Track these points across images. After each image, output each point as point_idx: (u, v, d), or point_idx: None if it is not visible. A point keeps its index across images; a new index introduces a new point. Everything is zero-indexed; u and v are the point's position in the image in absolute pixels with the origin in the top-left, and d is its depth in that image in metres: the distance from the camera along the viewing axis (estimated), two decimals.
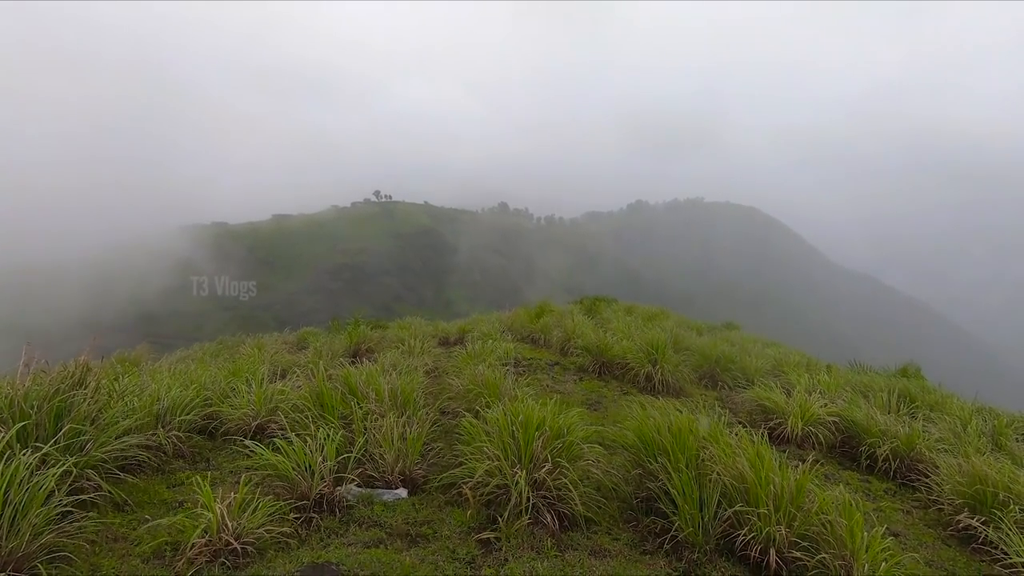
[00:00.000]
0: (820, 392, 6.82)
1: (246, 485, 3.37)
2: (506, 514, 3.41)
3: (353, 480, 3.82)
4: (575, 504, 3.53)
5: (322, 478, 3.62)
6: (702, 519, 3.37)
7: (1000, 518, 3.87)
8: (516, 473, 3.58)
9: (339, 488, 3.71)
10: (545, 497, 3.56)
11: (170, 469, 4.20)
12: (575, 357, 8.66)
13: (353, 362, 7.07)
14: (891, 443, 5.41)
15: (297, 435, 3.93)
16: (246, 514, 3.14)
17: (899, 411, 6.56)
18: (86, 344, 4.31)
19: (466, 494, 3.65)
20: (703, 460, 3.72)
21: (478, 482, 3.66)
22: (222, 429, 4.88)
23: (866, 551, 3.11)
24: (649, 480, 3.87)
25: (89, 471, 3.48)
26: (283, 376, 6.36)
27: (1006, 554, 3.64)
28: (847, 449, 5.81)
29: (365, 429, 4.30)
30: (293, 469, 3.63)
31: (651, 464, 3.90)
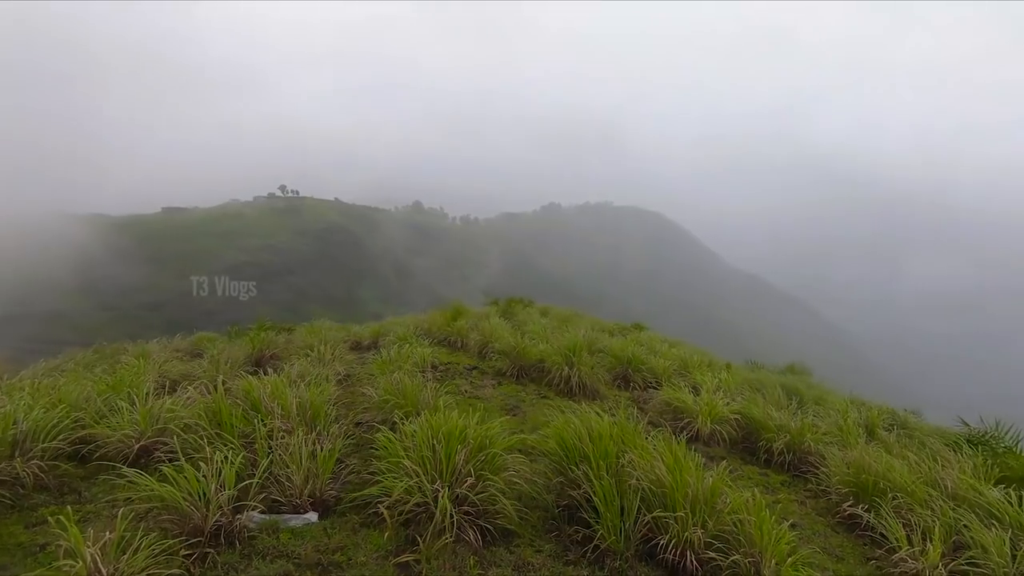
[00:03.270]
0: (723, 391, 7.24)
1: (125, 520, 2.95)
2: (427, 534, 3.25)
3: (256, 507, 3.48)
4: (499, 518, 3.44)
5: (219, 507, 3.26)
6: (623, 526, 3.41)
7: (880, 504, 4.26)
8: (438, 489, 3.42)
9: (239, 517, 3.36)
10: (468, 513, 3.44)
11: (30, 505, 3.62)
12: (493, 360, 8.59)
13: (256, 371, 6.54)
14: (785, 437, 5.84)
15: (189, 459, 3.53)
16: (125, 556, 2.74)
17: (790, 406, 7.12)
18: None
19: (383, 514, 3.44)
20: (623, 466, 3.76)
21: (396, 500, 3.46)
22: (97, 454, 4.29)
23: (774, 545, 3.28)
24: (571, 488, 3.86)
25: None
26: (174, 390, 5.74)
27: (885, 537, 4.00)
28: (748, 444, 6.19)
29: (270, 449, 3.94)
30: (184, 499, 3.24)
31: (573, 471, 3.89)
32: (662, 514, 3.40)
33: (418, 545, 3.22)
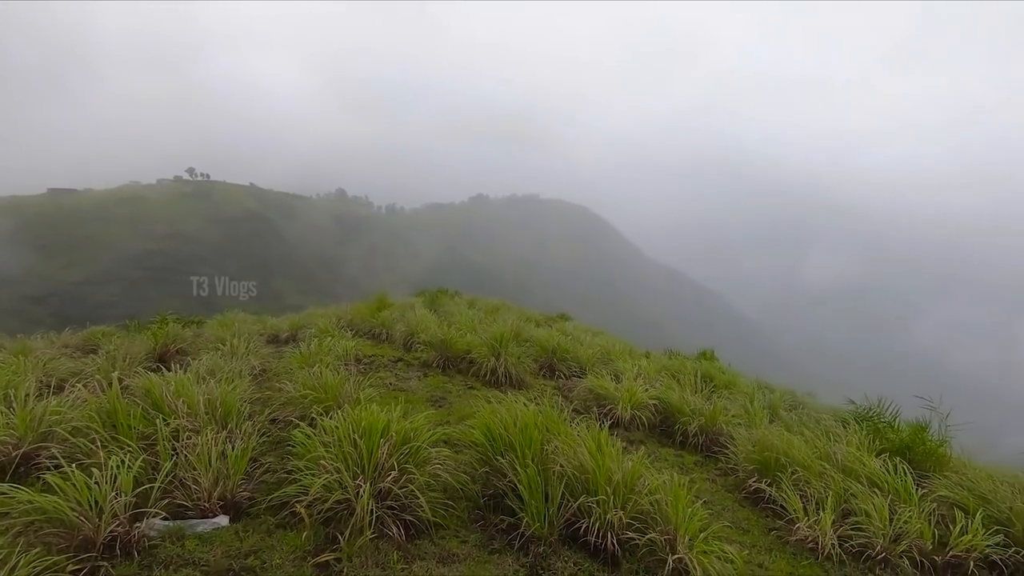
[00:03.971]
0: (643, 378, 7.54)
1: (1, 538, 2.64)
2: (348, 531, 3.14)
3: (157, 513, 3.22)
4: (422, 511, 3.39)
5: (115, 516, 2.99)
6: (547, 512, 3.47)
7: (781, 479, 4.61)
8: (360, 485, 3.32)
9: (138, 525, 3.09)
10: (390, 507, 3.37)
11: None
12: (419, 352, 8.46)
13: (159, 368, 6.04)
14: (699, 420, 6.18)
15: (79, 465, 3.21)
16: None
17: (703, 391, 7.53)
18: None
19: (301, 514, 3.29)
20: (548, 453, 3.82)
21: (315, 499, 3.33)
22: None
23: (687, 522, 3.46)
24: (496, 478, 3.88)
25: None
26: (61, 389, 5.20)
27: (785, 509, 4.34)
28: (665, 428, 6.49)
29: (174, 450, 3.66)
30: (72, 509, 2.93)
31: (498, 460, 3.91)
32: (586, 500, 3.49)
33: (339, 543, 3.11)
